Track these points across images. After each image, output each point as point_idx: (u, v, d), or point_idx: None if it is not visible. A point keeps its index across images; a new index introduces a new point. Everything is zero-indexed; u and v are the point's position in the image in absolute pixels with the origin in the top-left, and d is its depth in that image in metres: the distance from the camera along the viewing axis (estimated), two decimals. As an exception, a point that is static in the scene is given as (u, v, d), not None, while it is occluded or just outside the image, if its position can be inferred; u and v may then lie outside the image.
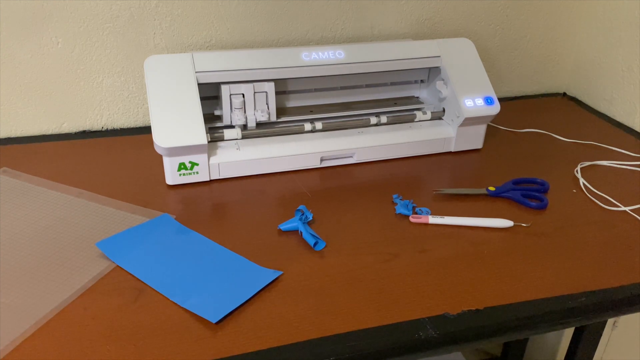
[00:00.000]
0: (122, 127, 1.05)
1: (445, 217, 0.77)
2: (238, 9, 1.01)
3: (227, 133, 0.88)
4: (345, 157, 0.92)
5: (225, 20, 1.02)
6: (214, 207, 0.80)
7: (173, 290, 0.63)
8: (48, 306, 0.60)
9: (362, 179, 0.88)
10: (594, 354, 1.09)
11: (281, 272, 0.66)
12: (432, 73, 1.01)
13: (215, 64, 0.85)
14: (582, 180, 0.89)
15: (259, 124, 0.90)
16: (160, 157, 0.83)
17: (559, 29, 1.23)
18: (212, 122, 0.90)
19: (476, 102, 0.93)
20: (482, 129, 0.98)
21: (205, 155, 0.83)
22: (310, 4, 1.04)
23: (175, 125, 0.80)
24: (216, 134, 0.87)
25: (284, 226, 0.74)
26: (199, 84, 0.84)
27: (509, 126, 1.08)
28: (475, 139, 0.98)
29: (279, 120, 0.92)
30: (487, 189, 0.84)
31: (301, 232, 0.73)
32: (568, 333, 1.25)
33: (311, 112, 0.95)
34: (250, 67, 0.87)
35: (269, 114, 0.89)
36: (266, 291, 0.64)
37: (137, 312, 0.60)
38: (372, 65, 0.93)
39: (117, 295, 0.62)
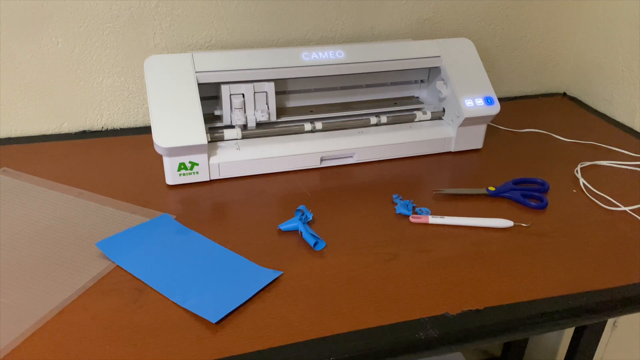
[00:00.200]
0: (122, 127, 1.05)
1: (445, 217, 0.77)
2: (238, 9, 1.01)
3: (227, 133, 0.88)
4: (345, 157, 0.92)
5: (225, 20, 1.02)
6: (214, 207, 0.80)
7: (173, 290, 0.63)
8: (48, 306, 0.60)
9: (362, 179, 0.88)
10: (594, 354, 1.09)
11: (281, 272, 0.66)
12: (432, 73, 1.01)
13: (215, 64, 0.85)
14: (582, 180, 0.89)
15: (259, 124, 0.90)
16: (160, 157, 0.83)
17: (559, 29, 1.23)
18: (212, 122, 0.90)
19: (476, 102, 0.93)
20: (482, 129, 0.98)
21: (205, 155, 0.83)
22: (310, 4, 1.04)
23: (175, 125, 0.80)
24: (216, 134, 0.87)
25: (284, 226, 0.74)
26: (199, 84, 0.84)
27: (509, 126, 1.09)
28: (475, 139, 0.98)
29: (279, 120, 0.92)
30: (487, 189, 0.84)
31: (301, 232, 0.73)
32: (568, 333, 1.25)
33: (311, 112, 0.95)
34: (250, 67, 0.87)
35: (269, 114, 0.89)
36: (266, 291, 0.64)
37: (137, 312, 0.60)
38: (372, 65, 0.93)
39: (117, 295, 0.62)
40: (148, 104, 0.83)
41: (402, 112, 0.99)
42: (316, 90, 0.98)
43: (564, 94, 1.30)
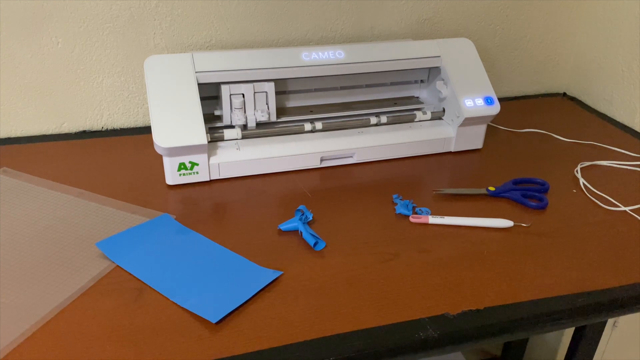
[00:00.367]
0: (122, 127, 1.05)
1: (445, 217, 0.77)
2: (238, 9, 1.01)
3: (227, 133, 0.88)
4: (345, 157, 0.92)
5: (225, 20, 1.02)
6: (214, 207, 0.80)
7: (173, 290, 0.63)
8: (48, 306, 0.60)
9: (362, 179, 0.88)
10: (594, 354, 1.09)
11: (281, 272, 0.66)
12: (432, 73, 1.01)
13: (215, 64, 0.85)
14: (582, 180, 0.89)
15: (259, 124, 0.90)
16: (160, 157, 0.83)
17: (559, 29, 1.23)
18: (212, 122, 0.90)
19: (476, 102, 0.93)
20: (482, 129, 0.98)
21: (205, 155, 0.83)
22: (310, 4, 1.04)
23: (175, 125, 0.80)
24: (216, 134, 0.87)
25: (284, 226, 0.74)
26: (199, 84, 0.84)
27: (509, 126, 1.09)
28: (475, 139, 0.98)
29: (279, 120, 0.92)
30: (487, 189, 0.84)
31: (301, 232, 0.73)
32: (568, 333, 1.25)
33: (311, 112, 0.95)
34: (250, 67, 0.87)
35: (269, 114, 0.89)
36: (266, 291, 0.64)
37: (137, 312, 0.60)
38: (372, 65, 0.93)
39: (117, 295, 0.62)
40: (148, 104, 0.83)
41: (402, 112, 0.99)
42: (316, 90, 0.98)
43: (564, 94, 1.30)
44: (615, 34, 1.14)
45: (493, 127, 1.07)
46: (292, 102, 0.97)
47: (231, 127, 0.89)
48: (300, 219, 0.74)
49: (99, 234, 0.72)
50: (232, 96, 0.87)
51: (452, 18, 1.14)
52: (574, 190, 0.86)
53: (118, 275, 0.65)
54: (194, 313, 0.60)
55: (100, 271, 0.66)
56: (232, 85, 0.86)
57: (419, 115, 0.98)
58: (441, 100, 0.98)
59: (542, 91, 1.30)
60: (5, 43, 0.93)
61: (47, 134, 1.02)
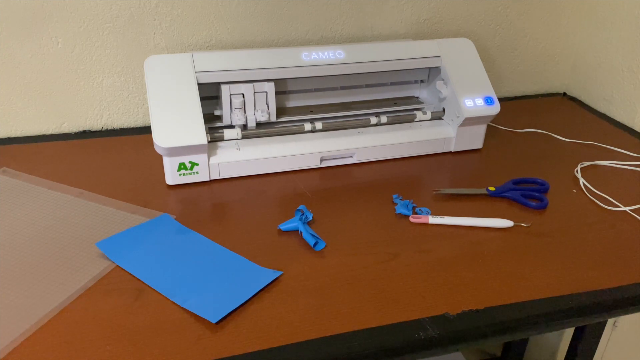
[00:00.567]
0: (122, 127, 1.05)
1: (445, 217, 0.77)
2: (238, 9, 1.01)
3: (227, 133, 0.88)
4: (345, 157, 0.92)
5: (225, 20, 1.02)
6: (214, 207, 0.80)
7: (173, 290, 0.63)
8: (48, 306, 0.60)
9: (362, 179, 0.88)
10: (594, 354, 1.09)
11: (281, 272, 0.66)
12: (432, 73, 1.01)
13: (215, 64, 0.85)
14: (582, 180, 0.89)
15: (259, 124, 0.90)
16: (160, 157, 0.83)
17: (559, 29, 1.23)
18: (212, 122, 0.90)
19: (476, 102, 0.93)
20: (482, 129, 0.98)
21: (205, 155, 0.83)
22: (310, 4, 1.04)
23: (175, 125, 0.80)
24: (216, 134, 0.87)
25: (284, 226, 0.74)
26: (199, 84, 0.84)
27: (509, 126, 1.09)
28: (475, 139, 0.98)
29: (279, 120, 0.92)
30: (487, 189, 0.84)
31: (301, 232, 0.73)
32: (568, 333, 1.25)
33: (311, 112, 0.95)
34: (250, 67, 0.87)
35: (269, 114, 0.89)
36: (266, 291, 0.64)
37: (137, 312, 0.60)
38: (372, 65, 0.93)
39: (117, 295, 0.62)
40: (148, 104, 0.83)
41: (402, 112, 0.99)
42: (316, 90, 0.98)
43: (564, 94, 1.30)
44: (615, 34, 1.14)
45: (493, 127, 1.07)
46: (292, 102, 0.97)
47: (231, 127, 0.89)
48: (300, 219, 0.74)
49: (99, 234, 0.72)
50: (232, 96, 0.87)
51: (452, 18, 1.14)
52: (574, 190, 0.86)
53: (118, 275, 0.65)
54: (194, 313, 0.60)
55: (100, 271, 0.66)
56: (232, 85, 0.86)
57: (419, 115, 0.98)
58: (441, 100, 0.98)
59: (542, 91, 1.30)
60: (5, 43, 0.93)
61: (47, 134, 1.02)
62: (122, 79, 1.02)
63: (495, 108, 0.94)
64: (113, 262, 0.67)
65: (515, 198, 0.82)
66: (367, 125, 0.95)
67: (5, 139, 0.99)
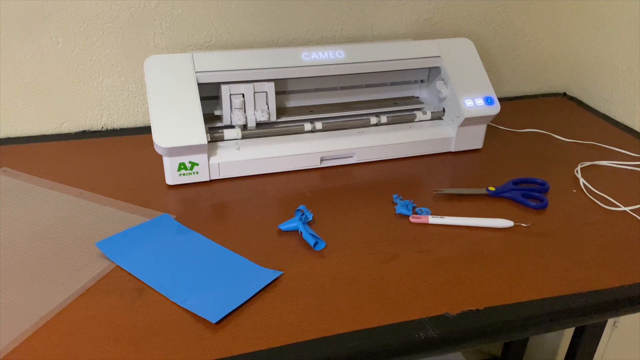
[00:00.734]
0: (122, 127, 1.05)
1: (445, 217, 0.77)
2: (238, 9, 1.01)
3: (227, 133, 0.88)
4: (345, 157, 0.92)
5: (225, 20, 1.02)
6: (214, 207, 0.80)
7: (173, 290, 0.63)
8: (48, 306, 0.60)
9: (362, 179, 0.88)
10: (594, 354, 1.09)
11: (281, 272, 0.66)
12: (432, 73, 1.01)
13: (215, 64, 0.85)
14: (582, 180, 0.89)
15: (259, 124, 0.90)
16: (160, 157, 0.83)
17: (559, 29, 1.23)
18: (212, 122, 0.90)
19: (476, 102, 0.93)
20: (482, 129, 0.98)
21: (205, 155, 0.83)
22: (310, 4, 1.04)
23: (175, 125, 0.80)
24: (216, 134, 0.87)
25: (284, 226, 0.74)
26: (199, 84, 0.84)
27: (509, 126, 1.09)
28: (475, 139, 0.98)
29: (279, 120, 0.92)
30: (487, 189, 0.84)
31: (301, 232, 0.73)
32: (568, 333, 1.25)
33: (311, 112, 0.95)
34: (250, 67, 0.87)
35: (269, 114, 0.89)
36: (266, 291, 0.64)
37: (137, 312, 0.60)
38: (372, 65, 0.93)
39: (117, 295, 0.62)
40: (148, 104, 0.83)
41: (402, 112, 0.99)
42: (316, 90, 0.98)
43: (564, 94, 1.30)
44: (615, 34, 1.14)
45: (493, 127, 1.07)
46: (292, 102, 0.97)
47: (231, 127, 0.89)
48: (300, 219, 0.74)
49: (99, 234, 0.72)
50: (232, 96, 0.87)
51: (452, 18, 1.14)
52: (574, 190, 0.86)
53: (118, 275, 0.65)
54: (194, 313, 0.60)
55: (100, 271, 0.66)
56: (232, 85, 0.86)
57: (419, 115, 0.98)
58: (441, 100, 0.98)
59: (542, 91, 1.30)
60: (5, 43, 0.93)
61: (47, 134, 1.02)
62: (122, 79, 1.02)
63: (495, 108, 0.94)
64: (113, 262, 0.67)
65: (516, 198, 0.82)
66: (367, 125, 0.95)
67: (5, 139, 0.99)
